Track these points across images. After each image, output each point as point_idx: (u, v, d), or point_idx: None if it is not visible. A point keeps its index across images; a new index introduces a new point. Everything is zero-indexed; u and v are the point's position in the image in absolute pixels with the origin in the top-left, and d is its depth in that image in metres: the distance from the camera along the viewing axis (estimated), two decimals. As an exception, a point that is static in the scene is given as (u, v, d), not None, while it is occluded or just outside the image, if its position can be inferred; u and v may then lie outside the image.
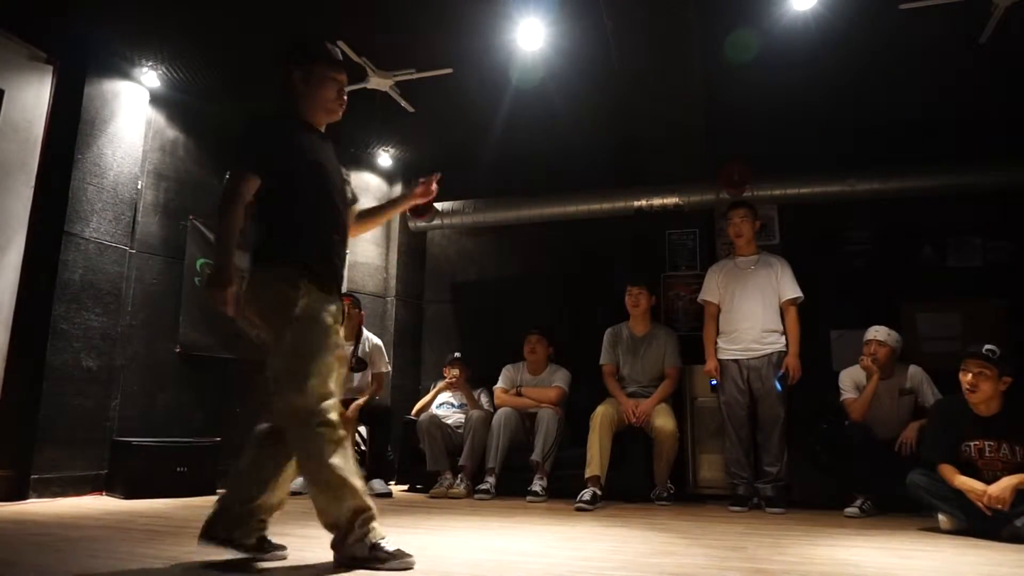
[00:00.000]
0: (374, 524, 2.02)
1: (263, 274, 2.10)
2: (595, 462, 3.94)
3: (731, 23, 3.96)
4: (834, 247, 5.09)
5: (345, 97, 2.31)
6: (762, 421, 3.90)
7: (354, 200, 2.44)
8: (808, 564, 2.19)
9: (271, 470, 2.15)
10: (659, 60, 4.12)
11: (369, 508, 2.02)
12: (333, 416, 2.02)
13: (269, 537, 2.19)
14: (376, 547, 1.99)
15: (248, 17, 3.95)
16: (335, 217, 2.23)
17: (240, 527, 2.10)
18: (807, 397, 4.05)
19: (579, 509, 3.65)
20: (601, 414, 4.09)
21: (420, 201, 2.47)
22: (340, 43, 4.00)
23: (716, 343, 4.08)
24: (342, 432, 2.05)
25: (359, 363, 4.69)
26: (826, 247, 5.08)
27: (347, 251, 2.33)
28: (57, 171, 4.05)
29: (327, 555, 2.20)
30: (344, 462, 2.01)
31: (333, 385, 2.07)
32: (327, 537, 2.43)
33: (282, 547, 2.20)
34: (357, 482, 2.02)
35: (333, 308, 2.15)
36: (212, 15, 3.94)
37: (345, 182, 2.35)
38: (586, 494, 3.74)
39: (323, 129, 2.33)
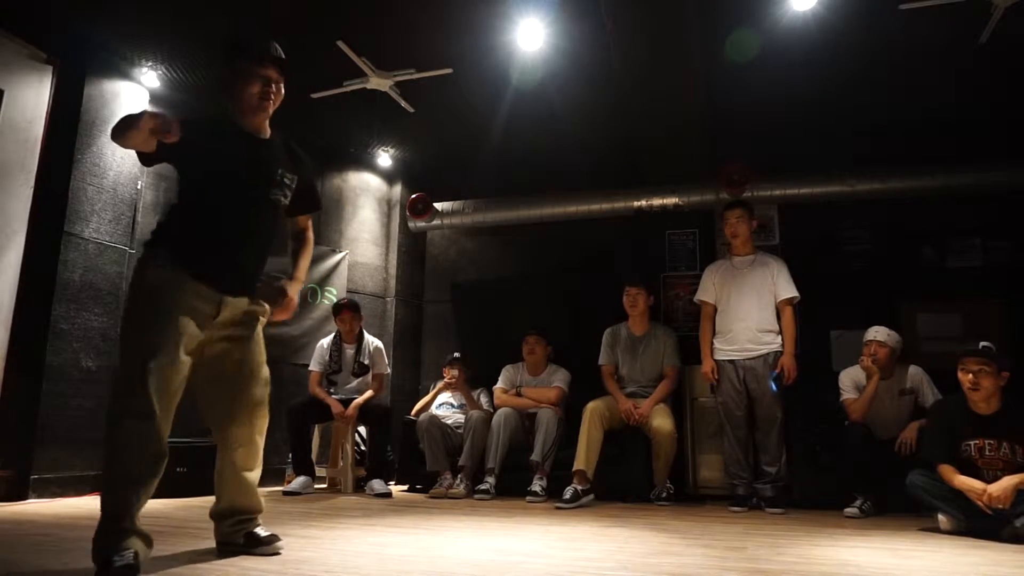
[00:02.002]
0: (125, 542, 1.84)
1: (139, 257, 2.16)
2: (581, 457, 3.95)
3: (731, 23, 3.96)
4: (834, 247, 5.09)
5: (272, 92, 2.20)
6: (760, 421, 3.90)
7: (300, 204, 2.37)
8: (808, 564, 2.18)
9: (229, 472, 2.23)
10: (659, 60, 4.12)
11: (116, 525, 1.86)
12: (139, 401, 1.90)
13: (259, 532, 2.23)
14: (108, 562, 1.79)
15: (248, 17, 3.95)
16: (229, 215, 2.15)
17: (221, 530, 2.23)
18: (807, 397, 4.05)
19: (558, 508, 3.68)
20: (591, 409, 4.10)
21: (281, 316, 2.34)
22: (340, 43, 4.02)
23: (712, 344, 4.08)
24: (145, 416, 1.91)
25: (361, 368, 4.70)
26: (826, 247, 5.08)
27: (249, 252, 2.23)
28: (57, 171, 4.05)
29: (327, 554, 2.20)
30: (127, 453, 1.90)
31: (153, 363, 1.93)
32: (327, 537, 2.43)
33: (275, 538, 2.23)
34: (132, 489, 1.89)
35: (198, 296, 2.07)
36: (212, 15, 3.94)
37: (275, 183, 2.25)
38: (568, 492, 3.77)
39: (261, 124, 2.26)
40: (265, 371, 2.28)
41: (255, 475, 2.28)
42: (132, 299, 2.08)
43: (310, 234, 2.49)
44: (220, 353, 2.18)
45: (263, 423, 2.27)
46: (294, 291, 2.33)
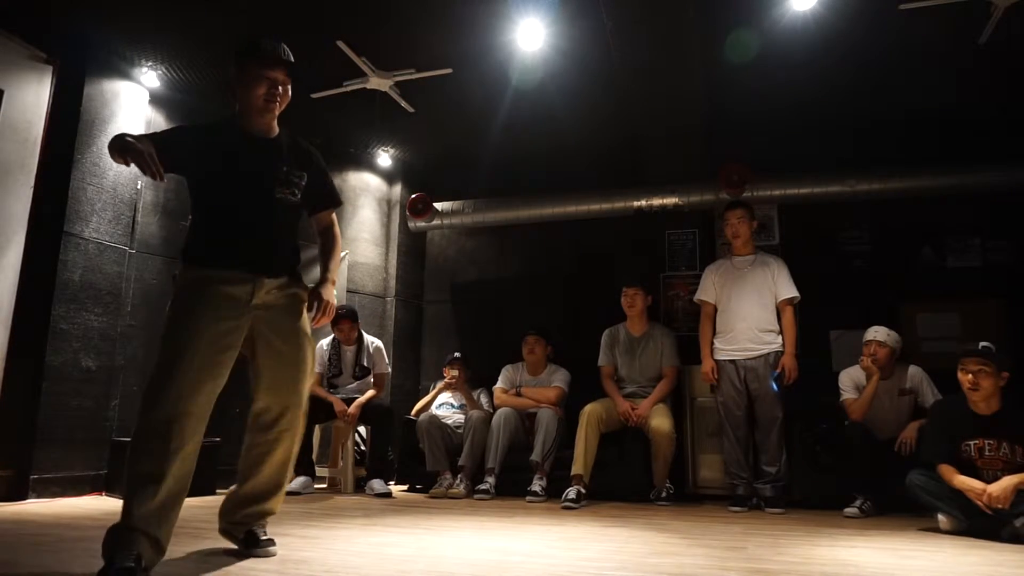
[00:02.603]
0: (130, 544, 1.84)
1: None
2: (580, 461, 3.97)
3: (731, 23, 3.96)
4: (834, 247, 5.09)
5: (279, 94, 2.19)
6: (760, 421, 3.90)
7: (316, 201, 2.36)
8: (808, 564, 2.19)
9: (245, 461, 2.23)
10: (659, 60, 4.12)
11: (124, 524, 1.86)
12: (159, 399, 1.94)
13: (258, 532, 2.22)
14: (110, 562, 1.79)
15: (248, 17, 3.95)
16: (239, 215, 2.15)
17: (227, 518, 2.24)
18: (807, 397, 4.05)
19: (565, 508, 3.68)
20: (589, 412, 4.11)
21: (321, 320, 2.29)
22: (340, 43, 4.02)
23: (712, 344, 4.08)
24: (161, 411, 1.95)
25: (362, 370, 4.70)
26: (826, 247, 5.08)
27: (269, 243, 2.19)
28: (57, 171, 4.04)
29: (327, 554, 2.20)
30: (140, 449, 1.94)
31: (180, 363, 1.96)
32: (327, 537, 2.43)
33: (271, 542, 2.22)
34: (142, 489, 1.90)
35: (228, 283, 2.08)
36: (212, 15, 3.94)
37: (281, 181, 2.22)
38: (571, 492, 3.78)
39: (268, 125, 2.25)
40: (305, 364, 2.24)
41: (291, 468, 2.28)
42: (169, 307, 2.08)
43: (336, 231, 2.43)
44: (265, 339, 2.17)
45: (302, 412, 2.25)
46: (329, 293, 2.29)
